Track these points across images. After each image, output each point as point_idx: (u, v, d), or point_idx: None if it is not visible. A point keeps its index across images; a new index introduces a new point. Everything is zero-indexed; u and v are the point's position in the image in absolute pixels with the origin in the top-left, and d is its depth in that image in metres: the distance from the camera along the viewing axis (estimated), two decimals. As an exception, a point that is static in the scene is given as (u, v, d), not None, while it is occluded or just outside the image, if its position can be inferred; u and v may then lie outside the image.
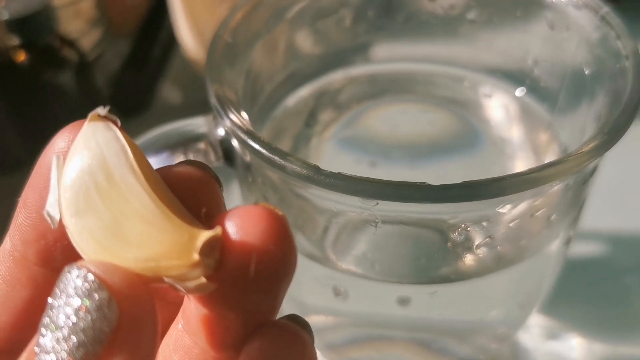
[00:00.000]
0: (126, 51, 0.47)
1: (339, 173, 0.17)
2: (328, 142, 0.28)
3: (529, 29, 0.25)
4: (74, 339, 0.11)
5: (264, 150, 0.18)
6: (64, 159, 0.13)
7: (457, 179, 0.29)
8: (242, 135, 0.18)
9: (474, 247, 0.19)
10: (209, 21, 0.39)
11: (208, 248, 0.12)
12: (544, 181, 0.17)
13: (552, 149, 0.25)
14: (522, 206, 0.18)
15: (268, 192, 0.20)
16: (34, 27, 0.36)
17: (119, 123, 0.13)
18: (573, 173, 0.17)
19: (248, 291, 0.12)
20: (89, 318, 0.11)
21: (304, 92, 0.27)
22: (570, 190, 0.19)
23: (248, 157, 0.20)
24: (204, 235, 0.12)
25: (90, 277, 0.11)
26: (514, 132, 0.27)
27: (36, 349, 0.12)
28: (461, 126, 0.28)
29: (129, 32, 0.49)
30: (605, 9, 0.22)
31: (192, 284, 0.12)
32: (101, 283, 0.11)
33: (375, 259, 0.20)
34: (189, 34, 0.40)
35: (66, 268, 0.12)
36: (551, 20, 0.24)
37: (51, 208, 0.13)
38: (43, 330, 0.12)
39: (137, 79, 0.46)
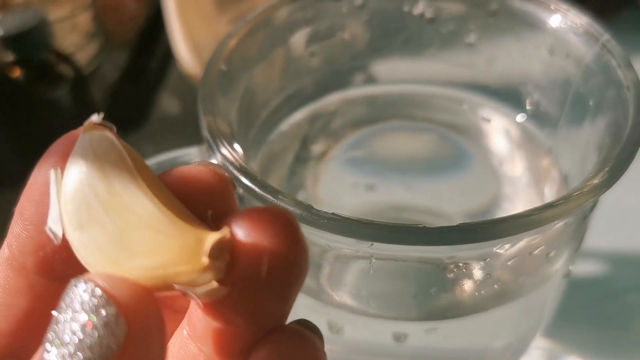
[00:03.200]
0: (123, 64, 0.47)
1: (333, 214, 0.16)
2: (325, 165, 0.28)
3: (528, 54, 0.24)
4: (80, 355, 0.11)
5: (255, 187, 0.17)
6: (62, 171, 0.12)
7: (456, 204, 0.29)
8: (234, 171, 0.18)
9: (472, 284, 0.19)
10: (205, 37, 0.39)
11: (217, 250, 0.11)
12: (544, 222, 0.16)
13: (552, 175, 0.25)
14: (521, 244, 0.18)
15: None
16: (29, 43, 0.36)
17: (115, 130, 0.13)
18: (574, 213, 0.17)
19: (258, 295, 0.12)
20: (96, 334, 0.11)
21: (301, 115, 0.26)
22: (570, 227, 0.19)
23: (240, 190, 0.19)
24: (212, 237, 0.11)
25: (98, 291, 0.11)
26: (514, 157, 0.27)
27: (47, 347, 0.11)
28: (460, 150, 0.28)
29: (126, 44, 0.49)
30: (606, 37, 0.22)
31: (203, 289, 0.11)
32: (109, 298, 0.11)
33: (370, 295, 0.20)
34: (185, 50, 0.39)
35: (72, 282, 0.11)
36: (551, 46, 0.23)
37: (53, 224, 0.12)
38: (48, 345, 0.11)
39: (135, 92, 0.46)
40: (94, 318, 0.11)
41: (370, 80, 0.27)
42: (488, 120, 0.27)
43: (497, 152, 0.27)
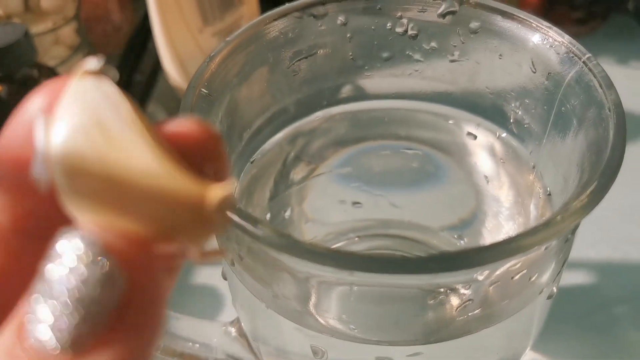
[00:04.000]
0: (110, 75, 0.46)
1: (313, 244, 0.16)
2: (311, 183, 0.28)
3: (511, 71, 0.24)
4: (72, 310, 0.10)
5: (234, 217, 0.17)
6: (48, 118, 0.11)
7: (441, 219, 0.29)
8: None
9: (453, 309, 0.19)
10: (190, 50, 0.38)
11: (223, 203, 0.11)
12: (524, 249, 0.16)
13: (537, 192, 0.25)
14: (502, 270, 0.18)
15: (243, 251, 0.20)
16: (11, 59, 0.35)
17: (116, 75, 0.12)
18: (554, 239, 0.17)
19: None
20: (92, 289, 0.10)
21: (285, 134, 0.26)
22: (551, 250, 0.19)
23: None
24: (218, 190, 0.11)
25: (94, 242, 0.10)
26: (499, 173, 0.27)
27: (28, 318, 0.10)
28: (445, 166, 0.28)
29: (112, 56, 0.49)
30: (588, 56, 0.22)
31: (204, 247, 0.11)
32: (107, 249, 0.10)
33: (352, 320, 0.20)
34: (170, 63, 0.39)
35: (64, 232, 0.10)
36: (533, 64, 0.23)
37: (39, 170, 0.11)
38: (37, 298, 0.10)
39: None
40: (90, 270, 0.10)
41: (355, 97, 0.27)
42: (473, 137, 0.27)
43: (483, 168, 0.27)
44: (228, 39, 0.23)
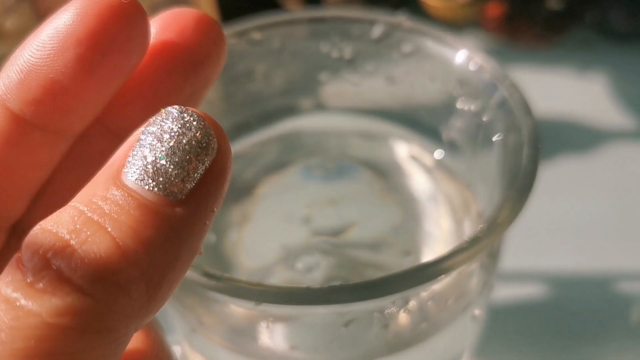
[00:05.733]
0: None
1: (223, 277, 0.17)
2: (254, 203, 0.28)
3: (441, 94, 0.25)
4: (175, 154, 0.11)
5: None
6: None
7: (385, 240, 0.29)
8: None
9: (370, 335, 0.19)
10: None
11: None
12: (430, 277, 0.17)
13: (472, 211, 0.25)
14: (415, 296, 0.18)
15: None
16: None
17: None
18: (461, 266, 0.17)
19: None
20: (192, 146, 0.11)
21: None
22: (467, 274, 0.19)
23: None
24: None
25: (192, 113, 0.11)
26: (436, 192, 0.27)
27: (142, 136, 0.11)
28: (385, 186, 0.28)
29: None
30: (510, 81, 0.22)
31: None
32: (207, 119, 0.11)
33: (292, 347, 0.20)
34: None
35: (162, 110, 0.11)
36: (461, 88, 0.24)
37: None
38: (146, 131, 0.11)
39: None
40: (195, 124, 0.11)
41: (294, 119, 0.28)
42: (411, 156, 0.27)
43: (421, 186, 0.28)
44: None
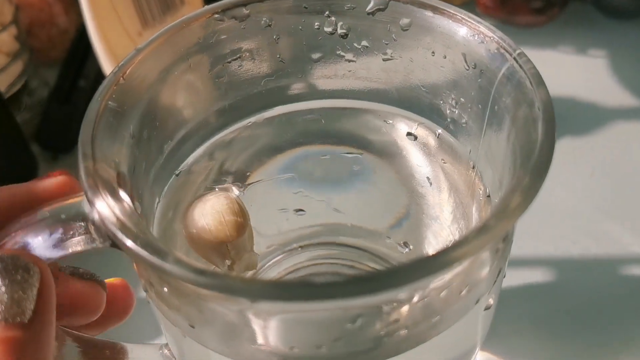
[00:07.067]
0: (52, 83, 0.45)
1: (217, 274, 0.15)
2: (248, 192, 0.26)
3: (444, 68, 0.23)
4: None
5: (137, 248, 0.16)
6: None
7: (384, 225, 0.28)
8: (112, 228, 0.16)
9: (379, 331, 0.17)
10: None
11: None
12: (442, 267, 0.15)
13: (478, 193, 0.24)
14: (426, 288, 0.17)
15: (152, 278, 0.18)
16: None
17: None
18: (473, 255, 0.16)
19: None
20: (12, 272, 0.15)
21: (214, 143, 0.25)
22: (479, 263, 0.18)
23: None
24: None
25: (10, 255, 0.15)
26: (440, 174, 0.26)
27: None
28: (386, 169, 0.27)
29: (56, 62, 0.47)
30: (519, 51, 0.20)
31: None
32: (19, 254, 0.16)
33: (277, 345, 0.18)
34: (110, 69, 0.38)
35: None
36: (467, 60, 0.22)
37: None
38: None
39: (65, 113, 0.43)
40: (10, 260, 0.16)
41: (287, 100, 0.26)
42: (413, 137, 0.26)
43: (424, 170, 0.26)
44: (139, 46, 0.21)
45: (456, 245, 0.15)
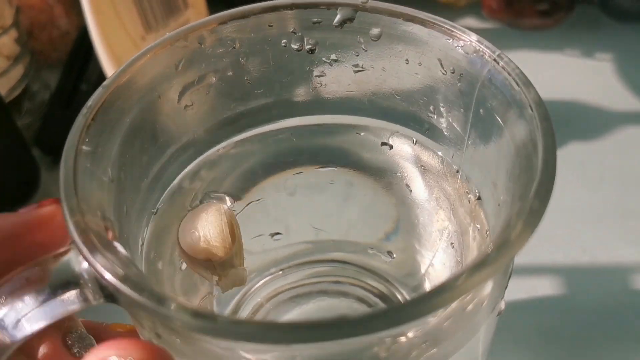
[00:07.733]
0: (53, 85, 0.43)
1: (221, 317, 0.14)
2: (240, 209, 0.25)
3: (421, 75, 0.23)
4: None
5: (141, 300, 0.15)
6: None
7: (367, 237, 0.27)
8: (114, 282, 0.15)
9: (408, 357, 0.17)
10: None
11: None
12: (464, 291, 0.15)
13: (466, 197, 0.24)
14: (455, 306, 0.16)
15: (159, 329, 0.17)
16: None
17: None
18: (495, 273, 0.15)
19: None
20: None
21: (185, 175, 0.24)
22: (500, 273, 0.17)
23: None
24: None
25: None
26: (421, 181, 0.25)
27: None
28: (363, 181, 0.26)
29: (57, 63, 0.45)
30: (498, 53, 0.20)
31: None
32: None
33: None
34: (111, 71, 0.36)
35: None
36: (443, 66, 0.22)
37: None
38: None
39: (67, 117, 0.41)
40: None
41: (259, 122, 0.25)
42: (389, 146, 0.25)
43: (402, 177, 0.26)
44: (105, 82, 0.20)
45: (453, 281, 0.14)
